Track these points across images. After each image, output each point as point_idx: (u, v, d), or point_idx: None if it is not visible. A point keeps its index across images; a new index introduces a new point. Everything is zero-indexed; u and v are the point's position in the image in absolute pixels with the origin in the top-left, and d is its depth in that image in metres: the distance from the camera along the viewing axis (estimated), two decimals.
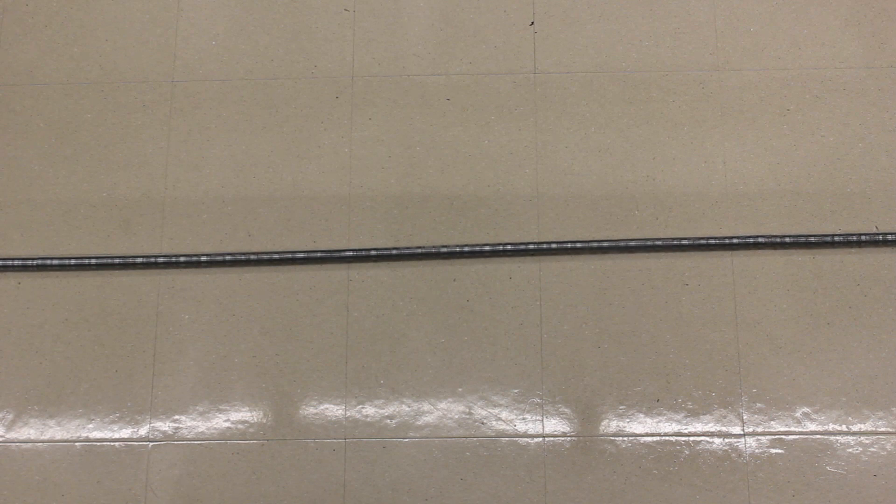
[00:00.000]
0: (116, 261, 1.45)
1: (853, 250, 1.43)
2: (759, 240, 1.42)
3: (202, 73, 1.55)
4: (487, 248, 1.44)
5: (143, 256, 1.45)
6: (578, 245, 1.43)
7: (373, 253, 1.44)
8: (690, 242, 1.43)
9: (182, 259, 1.45)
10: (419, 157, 1.50)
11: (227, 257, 1.45)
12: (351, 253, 1.44)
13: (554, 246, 1.43)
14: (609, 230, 1.46)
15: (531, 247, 1.43)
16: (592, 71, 1.53)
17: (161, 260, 1.45)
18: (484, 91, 1.53)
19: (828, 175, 1.47)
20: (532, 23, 1.55)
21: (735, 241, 1.42)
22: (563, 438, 1.39)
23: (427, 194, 1.49)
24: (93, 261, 1.45)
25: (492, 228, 1.47)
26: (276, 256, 1.45)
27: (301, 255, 1.44)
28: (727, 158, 1.48)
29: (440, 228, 1.47)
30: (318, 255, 1.44)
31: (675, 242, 1.43)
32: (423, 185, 1.49)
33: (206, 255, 1.45)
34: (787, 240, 1.42)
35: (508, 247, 1.43)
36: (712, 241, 1.43)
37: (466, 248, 1.44)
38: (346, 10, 1.58)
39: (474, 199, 1.48)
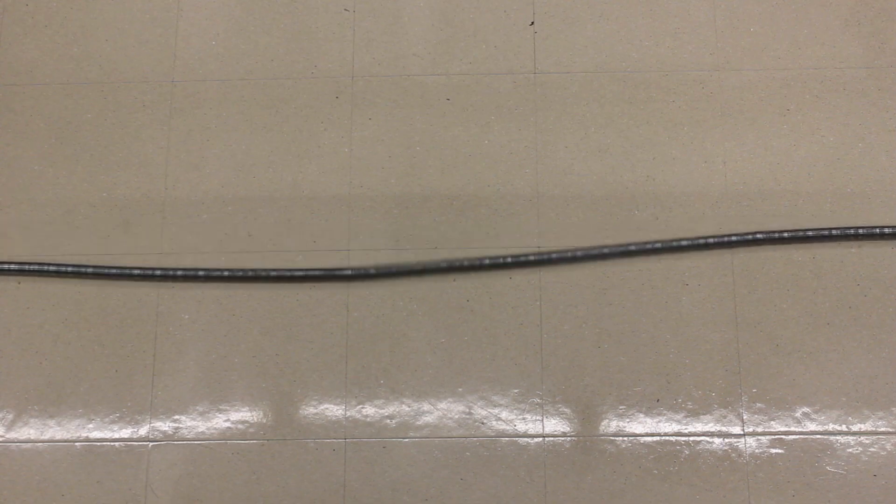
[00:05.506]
0: (113, 271, 1.45)
1: (853, 249, 1.43)
2: (758, 236, 1.42)
3: (202, 73, 1.55)
4: (487, 261, 1.43)
5: (140, 269, 1.45)
6: (579, 254, 1.43)
7: (372, 272, 1.43)
8: (689, 243, 1.43)
9: (180, 273, 1.44)
10: (419, 157, 1.50)
11: (226, 273, 1.44)
12: (350, 272, 1.44)
13: (554, 256, 1.43)
14: (609, 230, 1.46)
15: (531, 258, 1.43)
16: (592, 71, 1.53)
17: (158, 273, 1.45)
18: (484, 91, 1.53)
19: (828, 175, 1.47)
20: (532, 23, 1.55)
21: (734, 238, 1.43)
22: (563, 438, 1.39)
23: (427, 194, 1.49)
24: (90, 269, 1.45)
25: (492, 228, 1.47)
26: (273, 273, 1.44)
27: (299, 274, 1.44)
28: (727, 158, 1.48)
29: (440, 228, 1.47)
30: (316, 273, 1.44)
31: (674, 244, 1.43)
32: (423, 185, 1.49)
33: (203, 269, 1.45)
34: (786, 234, 1.42)
35: (509, 259, 1.43)
36: (711, 241, 1.43)
37: (466, 263, 1.43)
38: (346, 10, 1.58)
39: (474, 199, 1.48)
